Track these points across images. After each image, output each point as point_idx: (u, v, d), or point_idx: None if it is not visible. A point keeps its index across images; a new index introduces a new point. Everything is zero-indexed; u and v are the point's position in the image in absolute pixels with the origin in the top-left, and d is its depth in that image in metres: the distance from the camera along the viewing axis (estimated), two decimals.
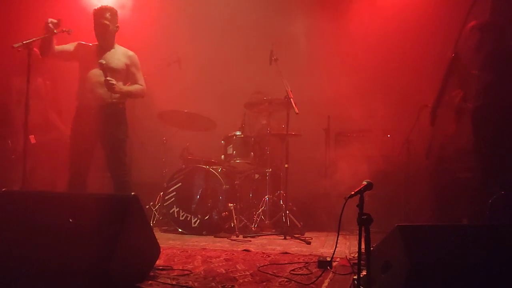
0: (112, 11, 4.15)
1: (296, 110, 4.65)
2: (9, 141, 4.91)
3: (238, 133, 5.24)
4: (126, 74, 4.21)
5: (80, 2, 5.56)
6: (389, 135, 5.57)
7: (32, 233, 2.56)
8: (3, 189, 2.75)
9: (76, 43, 4.15)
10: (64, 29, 3.83)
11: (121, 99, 4.18)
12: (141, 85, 4.29)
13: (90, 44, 4.19)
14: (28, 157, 4.71)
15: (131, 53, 4.26)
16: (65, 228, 2.56)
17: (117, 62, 4.14)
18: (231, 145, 5.20)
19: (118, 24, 4.21)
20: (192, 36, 6.23)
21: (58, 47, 4.02)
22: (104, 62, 3.98)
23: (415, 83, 5.59)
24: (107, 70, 4.02)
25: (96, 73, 4.03)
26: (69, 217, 2.59)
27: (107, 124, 4.05)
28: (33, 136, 4.90)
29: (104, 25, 4.08)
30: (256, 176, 5.46)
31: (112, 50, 4.17)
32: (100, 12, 4.09)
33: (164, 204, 5.11)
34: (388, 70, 5.70)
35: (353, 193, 2.32)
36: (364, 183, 2.38)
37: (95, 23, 4.11)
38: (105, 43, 4.15)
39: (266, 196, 5.16)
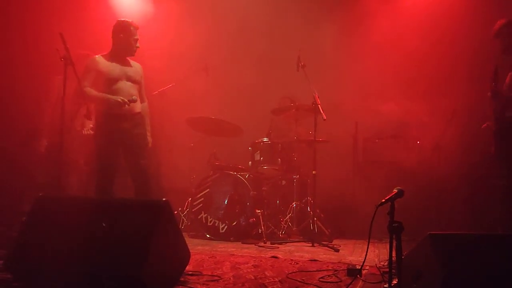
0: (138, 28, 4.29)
1: (324, 116, 4.63)
2: (35, 143, 4.83)
3: (265, 139, 5.26)
4: (140, 85, 4.36)
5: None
6: (418, 142, 5.48)
7: (66, 237, 2.64)
8: (40, 194, 2.84)
9: (92, 66, 4.14)
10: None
11: (141, 111, 4.33)
12: (145, 100, 4.46)
13: (99, 55, 4.22)
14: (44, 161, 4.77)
15: (139, 64, 4.38)
16: (99, 232, 2.62)
17: (137, 76, 4.29)
18: (258, 152, 5.22)
19: None
20: (219, 43, 6.31)
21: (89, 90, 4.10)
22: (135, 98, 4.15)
23: (446, 88, 5.50)
24: (132, 81, 4.21)
25: (124, 86, 4.14)
26: (102, 222, 2.66)
27: (135, 132, 4.18)
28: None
29: (138, 45, 4.22)
30: (283, 182, 5.46)
31: (129, 62, 4.28)
32: (134, 30, 4.20)
33: (193, 210, 5.16)
34: (417, 75, 5.62)
35: (383, 200, 2.30)
36: (395, 190, 2.35)
37: (131, 38, 4.18)
38: (125, 57, 4.25)
39: (294, 203, 5.15)
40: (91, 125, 4.98)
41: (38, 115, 4.86)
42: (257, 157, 5.20)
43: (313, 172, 4.86)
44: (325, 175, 5.33)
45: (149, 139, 4.39)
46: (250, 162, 5.29)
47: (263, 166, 5.18)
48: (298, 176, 5.24)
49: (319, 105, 4.72)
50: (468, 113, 5.11)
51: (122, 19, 4.24)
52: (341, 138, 5.74)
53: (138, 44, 4.23)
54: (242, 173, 5.14)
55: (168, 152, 5.96)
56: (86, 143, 5.09)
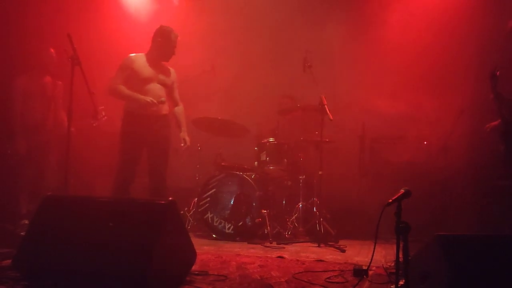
0: None
1: (331, 117, 4.63)
2: (8, 147, 4.64)
3: (271, 139, 5.26)
4: (171, 89, 4.45)
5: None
6: (425, 142, 5.45)
7: (73, 236, 2.65)
8: (49, 193, 2.86)
9: (127, 65, 4.19)
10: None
11: (168, 113, 4.41)
12: (179, 103, 4.56)
13: (134, 54, 4.27)
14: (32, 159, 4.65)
15: (172, 69, 4.48)
16: (105, 232, 2.63)
17: (168, 80, 4.38)
18: (265, 152, 5.21)
19: None
20: (225, 44, 6.31)
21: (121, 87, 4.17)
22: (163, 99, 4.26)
23: (453, 88, 5.46)
24: (163, 84, 4.30)
25: (154, 88, 4.21)
26: (108, 222, 2.67)
27: (161, 133, 4.25)
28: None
29: (175, 51, 4.31)
30: (289, 183, 5.45)
31: (163, 67, 4.36)
32: (175, 37, 4.29)
33: (199, 210, 5.17)
34: (425, 75, 5.59)
35: (390, 201, 2.29)
36: (402, 191, 2.34)
37: (169, 45, 4.27)
38: (161, 61, 4.32)
39: (300, 203, 5.14)
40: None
41: (6, 116, 4.72)
42: (263, 157, 5.19)
43: (320, 172, 4.85)
44: (331, 175, 5.33)
45: (187, 138, 4.48)
46: (256, 162, 5.28)
47: (269, 167, 5.17)
48: (304, 177, 5.23)
49: (325, 106, 4.71)
50: (476, 113, 5.08)
51: (165, 26, 4.34)
52: (347, 138, 5.72)
53: (174, 52, 4.30)
54: (248, 173, 5.14)
55: (174, 152, 5.97)
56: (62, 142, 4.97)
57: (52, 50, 4.75)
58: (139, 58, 4.24)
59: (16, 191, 4.68)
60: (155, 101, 4.09)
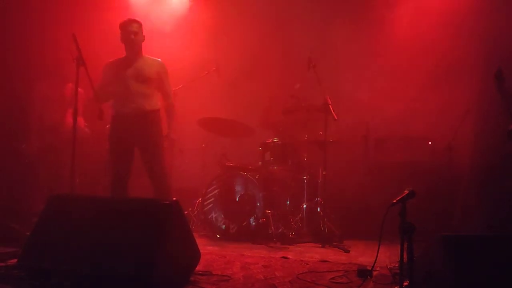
0: (138, 22, 4.24)
1: (335, 117, 4.62)
2: (24, 146, 4.87)
3: (275, 139, 5.26)
4: (158, 81, 4.28)
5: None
6: (430, 142, 5.43)
7: (77, 236, 2.67)
8: (55, 194, 2.88)
9: (103, 70, 4.22)
10: None
11: (158, 108, 4.30)
12: (169, 95, 4.40)
13: (114, 59, 4.28)
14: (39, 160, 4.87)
15: (160, 60, 4.33)
16: (110, 232, 2.64)
17: (149, 70, 4.23)
18: (269, 152, 5.21)
19: (144, 35, 4.28)
20: (230, 44, 6.32)
21: (103, 93, 4.13)
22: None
23: (458, 88, 5.43)
24: (141, 79, 4.17)
25: (133, 85, 4.15)
26: (114, 221, 2.68)
27: (148, 131, 4.18)
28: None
29: (133, 36, 4.16)
30: (293, 183, 5.44)
31: (141, 60, 4.25)
32: (128, 24, 4.19)
33: (203, 210, 5.17)
34: (429, 75, 5.56)
35: (395, 201, 2.29)
36: (406, 191, 2.35)
37: (126, 33, 4.18)
38: (132, 54, 4.22)
39: (304, 204, 5.13)
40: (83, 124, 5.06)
41: (23, 118, 4.95)
42: (267, 157, 5.20)
43: (324, 172, 4.85)
44: (335, 175, 5.31)
45: (173, 136, 4.40)
46: (260, 162, 5.29)
47: (273, 167, 5.17)
48: (308, 177, 5.22)
49: (330, 106, 4.70)
50: (481, 112, 5.05)
51: (122, 20, 4.25)
52: (351, 138, 5.70)
53: (133, 36, 4.14)
54: (252, 174, 5.13)
55: (179, 152, 5.99)
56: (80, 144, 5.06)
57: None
58: (115, 61, 4.22)
59: (27, 190, 4.77)
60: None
